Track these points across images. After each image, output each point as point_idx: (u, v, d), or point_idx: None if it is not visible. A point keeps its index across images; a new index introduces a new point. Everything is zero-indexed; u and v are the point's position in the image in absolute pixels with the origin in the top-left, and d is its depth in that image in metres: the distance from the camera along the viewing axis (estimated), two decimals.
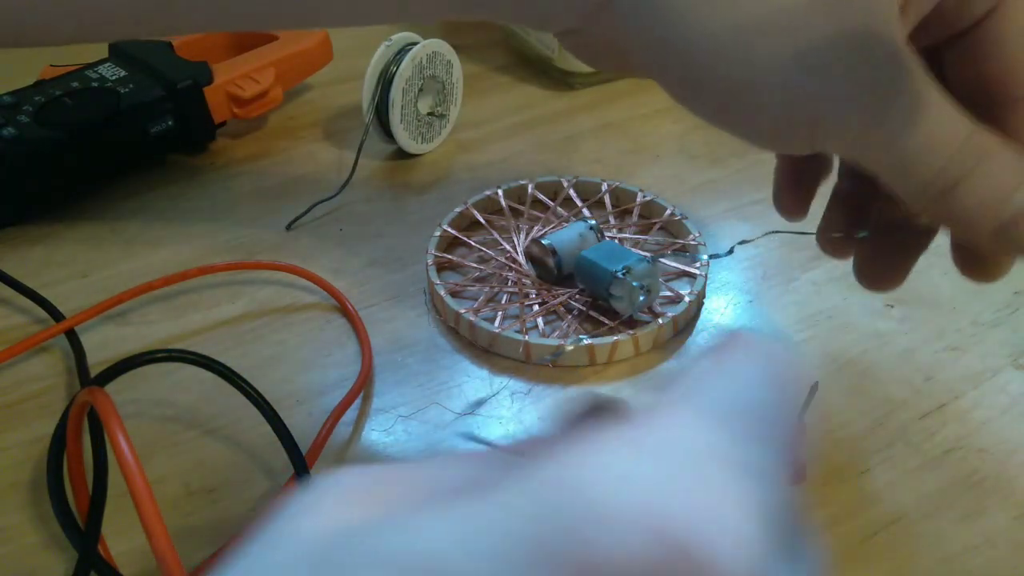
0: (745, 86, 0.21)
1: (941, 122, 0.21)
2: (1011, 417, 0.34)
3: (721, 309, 0.39)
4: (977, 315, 0.39)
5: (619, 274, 0.35)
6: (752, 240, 0.38)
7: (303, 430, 0.32)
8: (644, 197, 0.44)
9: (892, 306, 0.39)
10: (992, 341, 0.37)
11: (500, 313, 0.37)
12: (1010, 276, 0.40)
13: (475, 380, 0.35)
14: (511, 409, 0.34)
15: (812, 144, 0.22)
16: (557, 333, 0.37)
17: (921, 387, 0.35)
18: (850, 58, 0.21)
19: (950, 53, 0.25)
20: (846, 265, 0.41)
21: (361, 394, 0.34)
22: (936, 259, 0.43)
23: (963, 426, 0.33)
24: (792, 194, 0.30)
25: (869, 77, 0.21)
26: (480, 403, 0.34)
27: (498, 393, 0.35)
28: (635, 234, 0.43)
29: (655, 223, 0.43)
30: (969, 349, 0.37)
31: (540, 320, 0.37)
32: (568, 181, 0.45)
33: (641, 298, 0.36)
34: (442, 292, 0.38)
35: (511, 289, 0.39)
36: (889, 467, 0.32)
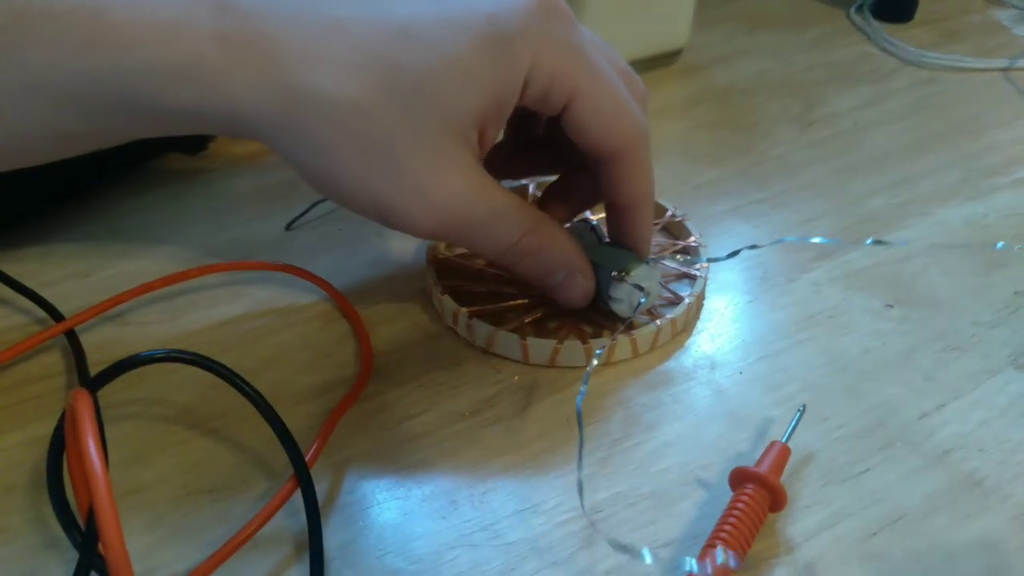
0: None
1: (507, 224, 0.32)
2: (1011, 417, 0.34)
3: (721, 310, 0.39)
4: (977, 315, 0.39)
5: (619, 275, 0.35)
6: (761, 247, 0.38)
7: (303, 430, 0.32)
8: None
9: (892, 306, 0.39)
10: (992, 341, 0.37)
11: (500, 313, 0.37)
12: (1010, 276, 0.41)
13: (475, 380, 0.35)
14: (511, 409, 0.34)
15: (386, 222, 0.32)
16: (556, 334, 0.37)
17: (921, 387, 0.35)
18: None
19: (558, 126, 0.33)
20: (846, 265, 0.41)
21: (361, 394, 0.34)
22: (936, 259, 0.43)
23: (963, 426, 0.33)
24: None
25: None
26: (480, 403, 0.34)
27: (499, 394, 0.35)
28: None
29: (655, 224, 0.43)
30: (969, 349, 0.37)
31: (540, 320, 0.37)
32: None
33: (641, 300, 0.36)
34: (442, 292, 0.38)
35: (510, 289, 0.39)
36: (889, 467, 0.32)
